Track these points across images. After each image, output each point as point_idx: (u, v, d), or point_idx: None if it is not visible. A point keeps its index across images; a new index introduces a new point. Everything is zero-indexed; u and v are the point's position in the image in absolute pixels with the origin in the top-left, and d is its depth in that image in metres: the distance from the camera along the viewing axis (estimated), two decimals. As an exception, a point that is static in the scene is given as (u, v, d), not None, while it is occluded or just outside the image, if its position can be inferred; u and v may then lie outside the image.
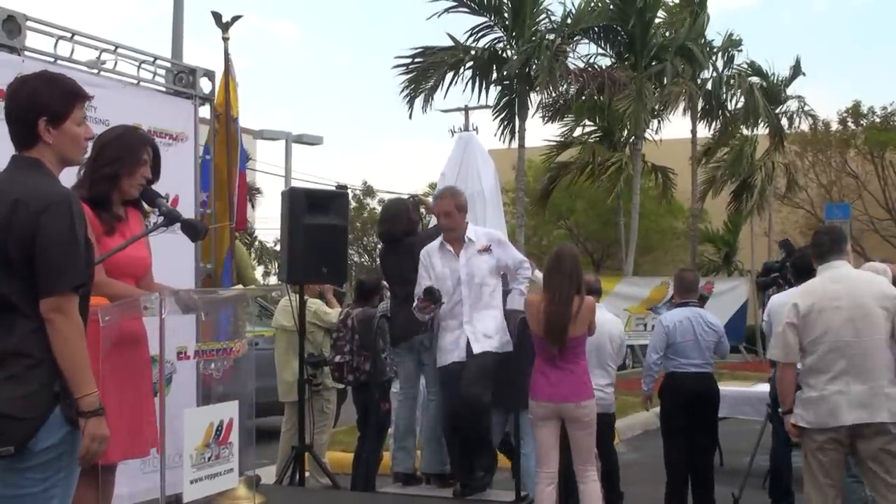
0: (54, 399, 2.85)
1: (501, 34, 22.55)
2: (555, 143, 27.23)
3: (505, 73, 22.30)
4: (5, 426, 2.78)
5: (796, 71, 28.64)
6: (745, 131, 28.62)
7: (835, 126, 31.56)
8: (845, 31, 71.03)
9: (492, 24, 22.51)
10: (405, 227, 6.66)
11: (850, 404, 4.78)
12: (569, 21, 22.91)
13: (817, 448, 4.89)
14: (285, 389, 8.07)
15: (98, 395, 2.93)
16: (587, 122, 26.71)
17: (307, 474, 7.34)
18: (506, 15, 22.35)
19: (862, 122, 31.41)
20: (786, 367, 5.10)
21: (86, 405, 2.89)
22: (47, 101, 3.03)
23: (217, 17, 6.20)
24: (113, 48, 5.48)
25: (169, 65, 6.03)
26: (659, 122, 25.91)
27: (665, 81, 24.29)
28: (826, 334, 4.89)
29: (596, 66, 23.82)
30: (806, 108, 29.37)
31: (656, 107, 24.79)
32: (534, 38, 21.69)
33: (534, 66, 21.40)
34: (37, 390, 2.83)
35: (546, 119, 25.33)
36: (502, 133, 22.92)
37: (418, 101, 22.42)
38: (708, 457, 6.99)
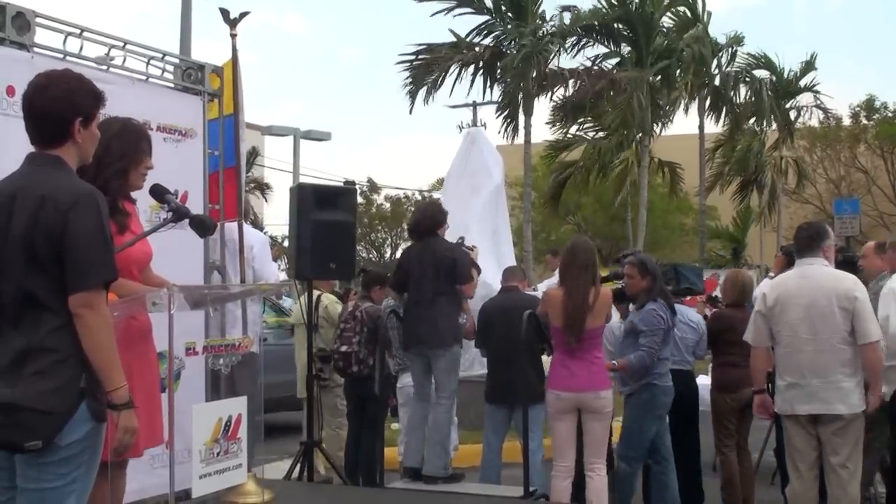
0: (80, 394, 2.88)
1: (502, 33, 22.67)
2: (559, 143, 27.27)
3: (504, 70, 22.40)
4: (34, 420, 2.82)
5: (808, 67, 28.54)
6: (755, 126, 28.57)
7: (847, 121, 31.45)
8: (862, 24, 70.72)
9: (494, 21, 22.60)
10: (432, 222, 6.66)
11: (806, 396, 5.21)
12: (566, 21, 23.00)
13: (788, 432, 5.36)
14: (301, 385, 8.03)
15: (128, 388, 2.98)
16: (590, 119, 26.72)
17: (322, 471, 7.36)
18: (504, 12, 22.47)
19: (875, 116, 31.30)
20: (755, 350, 5.52)
21: (117, 398, 2.96)
22: (82, 101, 3.08)
23: (225, 13, 6.20)
24: (122, 44, 5.48)
25: (177, 61, 6.03)
26: (663, 123, 25.93)
27: (671, 79, 24.31)
28: (786, 328, 5.30)
29: (600, 67, 23.88)
30: (818, 103, 29.30)
31: (664, 105, 24.80)
32: (528, 38, 21.79)
33: (533, 66, 21.48)
34: (64, 385, 2.86)
35: (560, 122, 25.37)
36: (505, 130, 23.04)
37: (420, 95, 22.54)
38: (689, 459, 6.86)
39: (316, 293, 8.03)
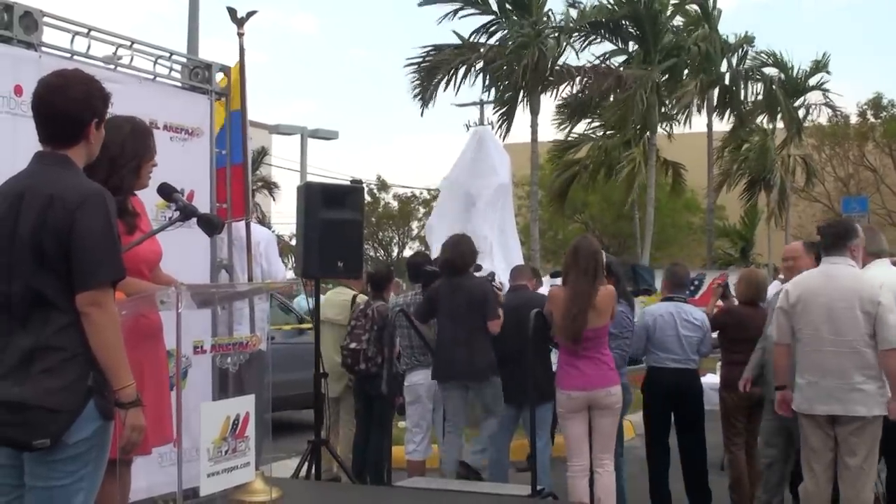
0: (88, 392, 2.89)
1: (507, 31, 22.73)
2: (564, 143, 27.27)
3: (505, 68, 22.44)
4: (42, 418, 2.82)
5: (819, 67, 28.47)
6: (765, 124, 28.53)
7: (854, 119, 31.37)
8: (868, 21, 70.46)
9: (499, 21, 22.68)
10: (463, 262, 6.71)
11: (826, 396, 5.14)
12: (573, 19, 23.04)
13: (805, 431, 5.28)
14: (331, 385, 7.84)
15: (135, 386, 2.99)
16: (597, 117, 26.68)
17: (335, 469, 7.37)
18: (509, 11, 22.52)
19: (882, 114, 31.22)
20: (778, 346, 5.45)
21: (125, 396, 2.96)
22: (98, 102, 3.10)
23: (232, 12, 6.21)
24: (129, 43, 5.49)
25: (185, 60, 6.04)
26: (670, 125, 25.91)
27: (678, 76, 24.30)
28: (808, 327, 5.22)
29: (607, 65, 23.90)
30: (827, 101, 29.26)
31: (669, 105, 24.81)
32: (527, 29, 21.84)
33: (538, 63, 21.50)
34: (72, 383, 2.87)
35: (566, 120, 25.38)
36: (499, 127, 23.10)
37: (428, 96, 22.62)
38: (695, 458, 6.85)
39: (351, 293, 8.08)
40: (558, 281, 6.77)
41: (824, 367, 5.14)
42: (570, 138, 27.19)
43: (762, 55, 28.26)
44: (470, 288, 6.60)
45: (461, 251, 6.74)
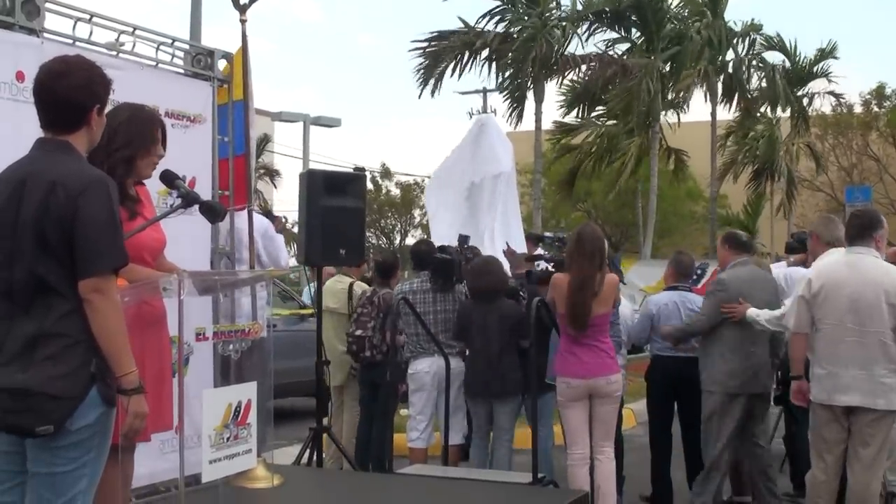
0: (91, 379, 2.89)
1: (513, 17, 22.71)
2: (564, 126, 27.24)
3: (511, 56, 22.45)
4: (45, 405, 2.83)
5: (825, 55, 28.35)
6: (768, 113, 28.45)
7: (858, 108, 31.28)
8: (870, 12, 70.20)
9: (505, 7, 22.65)
10: (502, 284, 6.76)
11: (845, 387, 5.09)
12: (579, 7, 23.05)
13: (820, 421, 5.23)
14: (333, 373, 7.84)
15: (138, 373, 2.99)
16: (601, 104, 26.62)
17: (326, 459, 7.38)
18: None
19: (885, 103, 31.12)
20: (796, 336, 5.37)
21: (127, 383, 2.96)
22: (99, 89, 3.10)
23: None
24: (131, 30, 5.48)
25: (187, 47, 6.03)
26: (677, 112, 25.84)
27: (682, 64, 24.25)
28: (831, 316, 5.16)
29: (611, 54, 23.89)
30: (830, 89, 29.18)
31: (671, 96, 24.78)
32: (535, 19, 21.85)
33: (543, 50, 21.50)
34: (75, 370, 2.88)
35: (569, 107, 25.37)
36: (510, 115, 23.08)
37: (431, 85, 22.62)
38: (697, 446, 6.76)
39: (348, 281, 8.08)
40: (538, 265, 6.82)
41: (846, 358, 5.09)
42: (571, 121, 27.15)
43: (769, 39, 28.15)
44: (503, 309, 6.65)
45: (496, 279, 6.78)
